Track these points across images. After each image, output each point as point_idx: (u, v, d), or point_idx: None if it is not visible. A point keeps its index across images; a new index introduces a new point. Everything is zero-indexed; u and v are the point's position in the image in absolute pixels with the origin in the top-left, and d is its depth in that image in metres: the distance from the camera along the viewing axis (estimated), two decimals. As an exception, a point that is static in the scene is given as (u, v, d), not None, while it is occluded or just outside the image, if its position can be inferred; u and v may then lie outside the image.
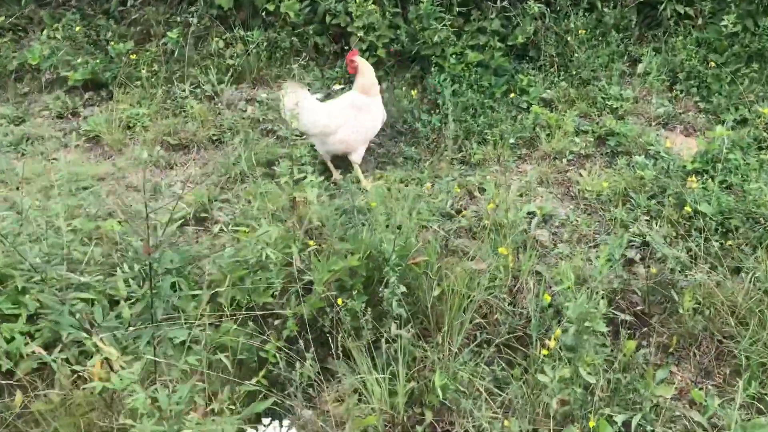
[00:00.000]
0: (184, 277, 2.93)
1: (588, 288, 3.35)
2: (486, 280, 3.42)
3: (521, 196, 4.47)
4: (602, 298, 3.18)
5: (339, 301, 3.04)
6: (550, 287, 3.51)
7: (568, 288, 3.29)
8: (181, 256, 2.73)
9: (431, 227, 3.85)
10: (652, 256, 3.91)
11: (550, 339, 2.94)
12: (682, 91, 5.27)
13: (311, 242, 3.52)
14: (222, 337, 2.89)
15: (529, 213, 4.25)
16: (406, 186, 4.60)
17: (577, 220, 4.24)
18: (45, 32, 6.30)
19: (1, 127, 5.49)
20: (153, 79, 5.89)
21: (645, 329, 3.45)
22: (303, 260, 3.54)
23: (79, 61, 5.89)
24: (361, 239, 3.31)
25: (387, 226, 3.50)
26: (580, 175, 4.64)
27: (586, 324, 2.86)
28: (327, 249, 3.53)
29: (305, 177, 3.71)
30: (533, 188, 4.52)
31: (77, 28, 6.13)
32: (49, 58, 5.88)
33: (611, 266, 3.51)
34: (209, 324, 2.93)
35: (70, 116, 5.75)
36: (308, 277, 3.24)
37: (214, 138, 5.32)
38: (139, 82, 5.85)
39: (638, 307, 3.57)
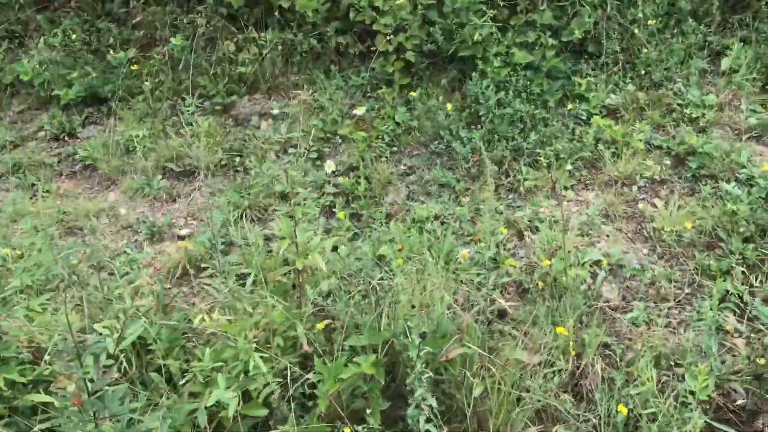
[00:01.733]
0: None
1: (674, 391, 2.59)
2: (540, 376, 2.68)
3: (582, 235, 3.67)
4: (697, 410, 2.41)
5: (347, 431, 2.34)
6: (624, 386, 2.74)
7: (648, 389, 2.53)
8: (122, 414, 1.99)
9: (469, 291, 3.09)
10: (752, 322, 3.09)
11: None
12: (778, 93, 4.33)
13: (319, 324, 2.82)
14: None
15: (592, 262, 3.47)
16: (442, 223, 3.85)
17: (653, 270, 3.43)
18: (42, 39, 5.68)
19: (-9, 156, 4.92)
20: (157, 92, 5.23)
21: (751, 435, 2.67)
22: (312, 342, 2.86)
23: (75, 74, 5.26)
24: (380, 330, 2.59)
25: (413, 306, 2.77)
26: (655, 206, 3.80)
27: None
28: (339, 329, 2.84)
29: (311, 238, 3.00)
30: (597, 225, 3.71)
31: (74, 36, 5.48)
32: (41, 74, 5.26)
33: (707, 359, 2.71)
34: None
35: (66, 138, 5.15)
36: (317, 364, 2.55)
37: (223, 163, 4.64)
38: (141, 96, 5.19)
39: (739, 402, 2.77)
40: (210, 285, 2.99)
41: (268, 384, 2.54)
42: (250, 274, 3.16)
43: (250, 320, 2.74)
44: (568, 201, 3.93)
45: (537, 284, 3.26)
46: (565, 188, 4.01)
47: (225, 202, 4.25)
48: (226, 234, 4.05)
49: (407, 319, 2.63)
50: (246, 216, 4.16)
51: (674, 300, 3.29)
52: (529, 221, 3.78)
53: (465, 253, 3.19)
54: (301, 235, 2.88)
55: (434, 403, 2.40)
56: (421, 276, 3.27)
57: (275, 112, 4.83)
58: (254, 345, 2.57)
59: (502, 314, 3.22)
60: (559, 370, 2.83)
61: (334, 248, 3.52)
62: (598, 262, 3.47)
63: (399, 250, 3.33)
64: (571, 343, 2.86)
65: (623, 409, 2.48)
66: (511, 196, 4.01)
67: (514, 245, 3.70)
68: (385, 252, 3.59)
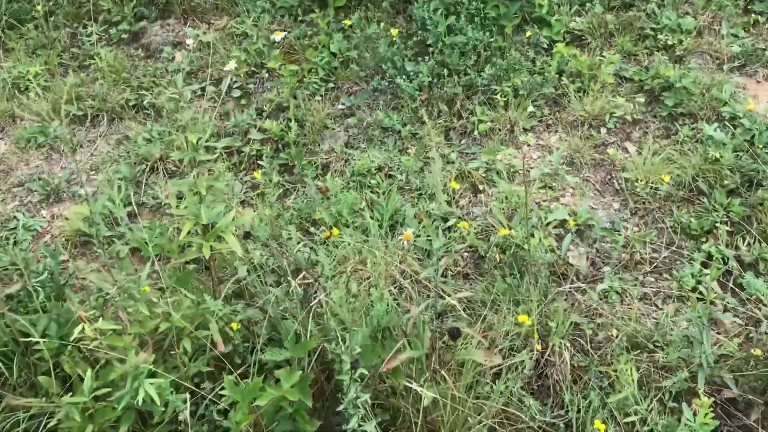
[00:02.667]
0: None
1: (657, 389, 2.20)
2: (501, 378, 2.25)
3: (544, 188, 3.21)
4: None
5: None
6: (600, 386, 2.34)
7: (628, 395, 2.14)
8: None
9: (415, 275, 2.62)
10: (740, 292, 2.71)
11: None
12: (763, 14, 3.83)
13: (235, 324, 2.33)
14: None
15: (557, 222, 3.02)
16: (387, 176, 3.34)
17: (625, 230, 3.00)
18: None
19: None
20: (52, 18, 4.47)
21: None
22: (232, 338, 2.38)
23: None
24: (307, 337, 2.11)
25: (348, 302, 2.28)
26: (626, 151, 3.34)
27: None
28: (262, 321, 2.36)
29: (223, 209, 2.45)
30: (561, 176, 3.24)
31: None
32: None
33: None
34: None
35: (-54, 75, 4.38)
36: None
37: (131, 104, 3.98)
38: (33, 23, 4.42)
39: (727, 395, 2.40)
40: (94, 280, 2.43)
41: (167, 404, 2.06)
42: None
43: (149, 324, 2.23)
44: (528, 146, 3.44)
45: (494, 255, 2.80)
46: (525, 130, 3.51)
47: (133, 154, 3.64)
48: (135, 192, 3.47)
49: (340, 323, 2.15)
50: (158, 169, 3.57)
51: (650, 265, 2.88)
52: (484, 173, 3.29)
53: (409, 234, 2.69)
54: (208, 213, 2.34)
55: (373, 428, 1.96)
56: (361, 249, 2.79)
57: (191, 42, 4.15)
58: (151, 360, 2.06)
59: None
60: (521, 363, 2.41)
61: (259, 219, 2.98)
62: (563, 222, 3.02)
63: (322, 193, 2.80)
64: (536, 332, 2.44)
65: (601, 427, 2.08)
66: (463, 142, 3.50)
67: (469, 201, 3.22)
68: (319, 217, 3.08)
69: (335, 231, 2.87)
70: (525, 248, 2.75)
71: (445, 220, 3.11)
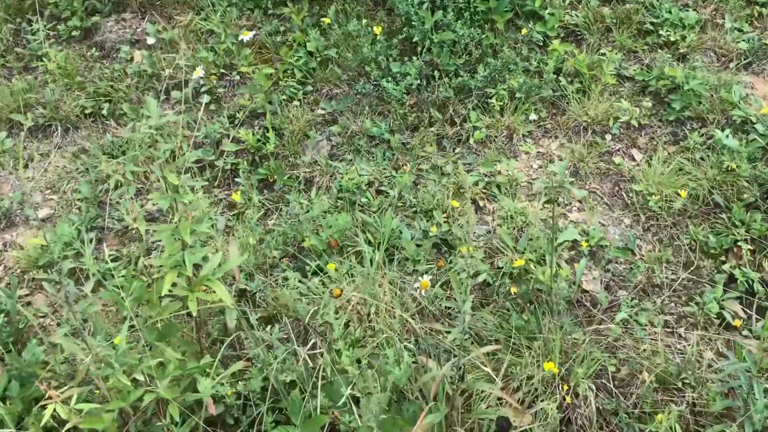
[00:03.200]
0: None
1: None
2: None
3: (549, 202, 2.98)
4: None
5: None
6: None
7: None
8: None
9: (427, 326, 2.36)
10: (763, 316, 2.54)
11: None
12: (766, 5, 3.63)
13: (228, 392, 2.05)
14: None
15: (568, 242, 2.80)
16: (377, 192, 3.06)
17: (640, 249, 2.80)
18: None
19: None
20: (-8, 13, 4.03)
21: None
22: (224, 397, 2.11)
23: None
24: (317, 418, 1.84)
25: (358, 361, 2.01)
26: (633, 159, 3.13)
27: None
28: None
29: (208, 252, 2.15)
30: (566, 189, 3.01)
31: None
32: None
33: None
34: None
35: None
36: None
37: (87, 112, 3.61)
38: (-29, 20, 3.98)
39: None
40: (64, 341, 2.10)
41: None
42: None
43: (130, 396, 1.93)
44: (526, 154, 3.19)
45: (507, 288, 2.57)
46: (524, 136, 3.26)
47: (92, 169, 3.28)
48: (97, 216, 3.13)
49: (347, 381, 1.89)
50: (122, 187, 3.22)
51: (668, 288, 2.68)
52: (484, 187, 3.04)
53: (426, 283, 2.42)
54: (192, 260, 2.03)
55: None
56: (361, 288, 2.52)
57: (151, 40, 3.77)
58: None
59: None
60: (543, 411, 2.19)
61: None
62: (574, 243, 2.80)
63: (331, 248, 2.52)
64: (563, 382, 2.22)
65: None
66: (458, 151, 3.23)
67: (469, 220, 2.96)
68: (309, 245, 2.79)
69: (331, 266, 2.58)
70: (540, 279, 2.51)
71: (445, 241, 2.86)
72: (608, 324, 2.55)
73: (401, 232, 2.85)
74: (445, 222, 2.90)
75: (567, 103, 3.32)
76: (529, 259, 2.67)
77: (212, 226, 2.61)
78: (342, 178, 3.09)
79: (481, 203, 3.01)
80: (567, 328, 2.35)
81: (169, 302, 2.11)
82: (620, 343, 2.46)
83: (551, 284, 2.44)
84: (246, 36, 3.46)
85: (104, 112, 3.56)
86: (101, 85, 3.64)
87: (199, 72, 3.26)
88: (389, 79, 3.36)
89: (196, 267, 2.08)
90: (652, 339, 2.48)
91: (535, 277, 2.51)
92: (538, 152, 3.21)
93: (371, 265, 2.69)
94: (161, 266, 2.04)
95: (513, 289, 2.52)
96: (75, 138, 3.54)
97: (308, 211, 2.98)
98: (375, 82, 3.41)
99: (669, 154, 3.08)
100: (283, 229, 2.93)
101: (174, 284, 2.06)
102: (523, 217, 2.86)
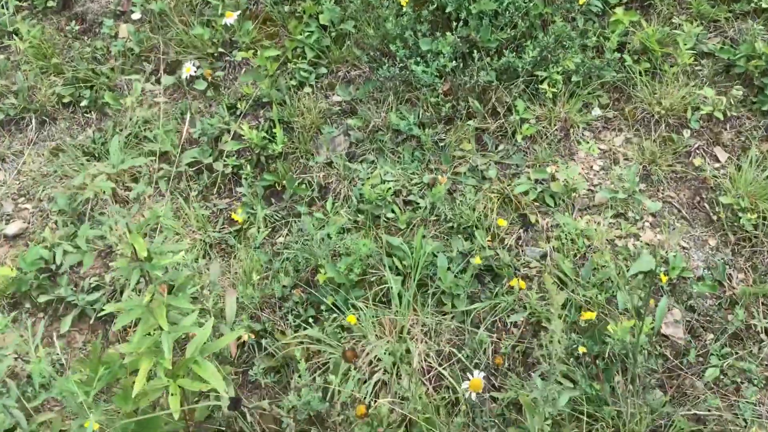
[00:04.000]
0: None
1: None
2: None
3: (617, 216, 2.45)
4: None
5: None
6: None
7: None
8: None
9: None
10: None
11: None
12: None
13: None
14: None
15: (642, 273, 2.28)
16: (405, 203, 2.55)
17: (730, 281, 2.28)
18: None
19: None
20: (-44, -19, 3.48)
21: None
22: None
23: None
24: None
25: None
26: (716, 160, 2.57)
27: None
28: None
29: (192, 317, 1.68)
30: (637, 200, 2.47)
31: None
32: None
33: None
34: None
35: None
36: None
37: (66, 101, 3.10)
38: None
39: None
40: None
41: None
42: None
43: None
44: (586, 154, 2.65)
45: (574, 346, 2.07)
46: (584, 127, 2.70)
47: (71, 177, 2.79)
48: (74, 234, 2.65)
49: None
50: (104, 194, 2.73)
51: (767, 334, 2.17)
52: (535, 198, 2.51)
53: (479, 383, 1.87)
54: (170, 341, 1.55)
55: None
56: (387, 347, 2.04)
57: (137, 14, 3.21)
58: None
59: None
60: None
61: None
62: (651, 274, 2.28)
63: (347, 360, 1.99)
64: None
65: None
66: (502, 149, 2.69)
67: (518, 240, 2.45)
68: (323, 279, 2.30)
69: (351, 319, 2.10)
70: (617, 336, 2.01)
71: (489, 269, 2.36)
72: (694, 379, 2.06)
73: (435, 255, 2.35)
74: (488, 244, 2.39)
75: (633, 87, 2.75)
76: (595, 299, 2.17)
77: (198, 286, 2.12)
78: (363, 185, 2.57)
79: (531, 217, 2.48)
80: (654, 406, 1.86)
81: (145, 390, 1.64)
82: (714, 414, 1.97)
83: (629, 339, 1.94)
84: (229, 18, 2.89)
85: (84, 102, 3.04)
86: (81, 68, 3.12)
87: (190, 69, 2.74)
88: (418, 59, 2.80)
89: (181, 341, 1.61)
90: (750, 404, 1.99)
91: (613, 335, 2.00)
92: (600, 148, 2.66)
93: (399, 303, 2.21)
94: (131, 353, 1.56)
95: (582, 350, 2.02)
96: (52, 132, 3.05)
97: (323, 227, 2.49)
98: (401, 64, 2.84)
99: (763, 154, 2.52)
100: (293, 252, 2.44)
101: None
102: (584, 241, 2.34)
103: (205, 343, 1.66)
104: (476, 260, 2.25)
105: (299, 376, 2.01)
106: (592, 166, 2.62)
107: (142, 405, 1.64)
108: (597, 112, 2.67)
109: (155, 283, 1.50)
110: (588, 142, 2.64)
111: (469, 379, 1.89)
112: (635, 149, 2.62)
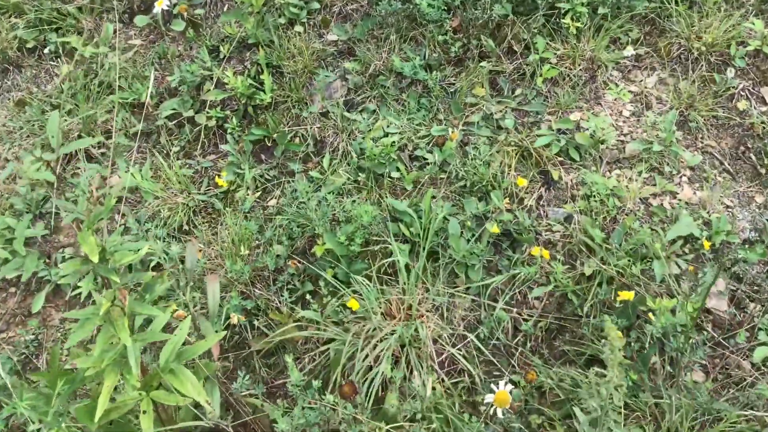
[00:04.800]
0: None
1: None
2: None
3: (651, 171, 2.17)
4: None
5: None
6: None
7: None
8: None
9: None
10: None
11: None
12: None
13: None
14: None
15: (679, 239, 2.01)
16: (411, 159, 2.27)
17: (780, 243, 2.02)
18: None
19: None
20: None
21: None
22: None
23: None
24: None
25: None
26: (765, 103, 2.26)
27: None
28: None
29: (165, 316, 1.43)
30: (674, 152, 2.18)
31: None
32: None
33: None
34: None
35: None
36: None
37: (29, 45, 2.78)
38: None
39: None
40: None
41: None
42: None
43: None
44: (615, 99, 2.34)
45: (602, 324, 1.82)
46: (613, 67, 2.39)
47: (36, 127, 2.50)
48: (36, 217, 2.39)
49: None
50: (77, 160, 2.45)
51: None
52: (558, 151, 2.22)
53: (505, 396, 1.61)
54: (136, 354, 1.31)
55: None
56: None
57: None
58: None
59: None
60: None
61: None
62: (690, 239, 2.01)
63: (344, 396, 1.71)
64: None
65: None
66: (519, 93, 2.38)
67: (538, 200, 2.18)
68: (321, 251, 2.05)
69: (353, 303, 1.85)
70: (657, 320, 1.76)
71: (507, 237, 2.10)
72: (740, 359, 1.83)
73: (446, 220, 2.09)
74: (506, 206, 2.12)
75: (668, 19, 2.41)
76: (629, 270, 1.91)
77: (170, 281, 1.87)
78: (363, 139, 2.29)
79: (554, 174, 2.20)
80: (704, 404, 1.63)
81: (112, 407, 1.41)
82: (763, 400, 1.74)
83: (664, 318, 1.70)
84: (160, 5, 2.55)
85: (50, 47, 2.72)
86: (45, 7, 2.78)
87: (163, 2, 2.41)
88: (423, -9, 2.46)
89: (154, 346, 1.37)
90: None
91: (651, 319, 1.75)
92: (630, 92, 2.35)
93: (407, 276, 1.96)
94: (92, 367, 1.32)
95: (618, 335, 1.77)
96: (17, 80, 2.74)
97: (319, 189, 2.22)
98: (404, -3, 2.50)
99: (817, 96, 2.21)
100: (287, 218, 2.18)
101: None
102: (615, 201, 2.07)
103: (182, 346, 1.42)
104: (493, 228, 1.99)
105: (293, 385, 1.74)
106: (621, 112, 2.32)
107: (112, 417, 1.41)
108: (629, 51, 2.34)
109: (114, 288, 1.25)
110: (617, 85, 2.33)
111: (493, 391, 1.63)
112: (670, 92, 2.31)
